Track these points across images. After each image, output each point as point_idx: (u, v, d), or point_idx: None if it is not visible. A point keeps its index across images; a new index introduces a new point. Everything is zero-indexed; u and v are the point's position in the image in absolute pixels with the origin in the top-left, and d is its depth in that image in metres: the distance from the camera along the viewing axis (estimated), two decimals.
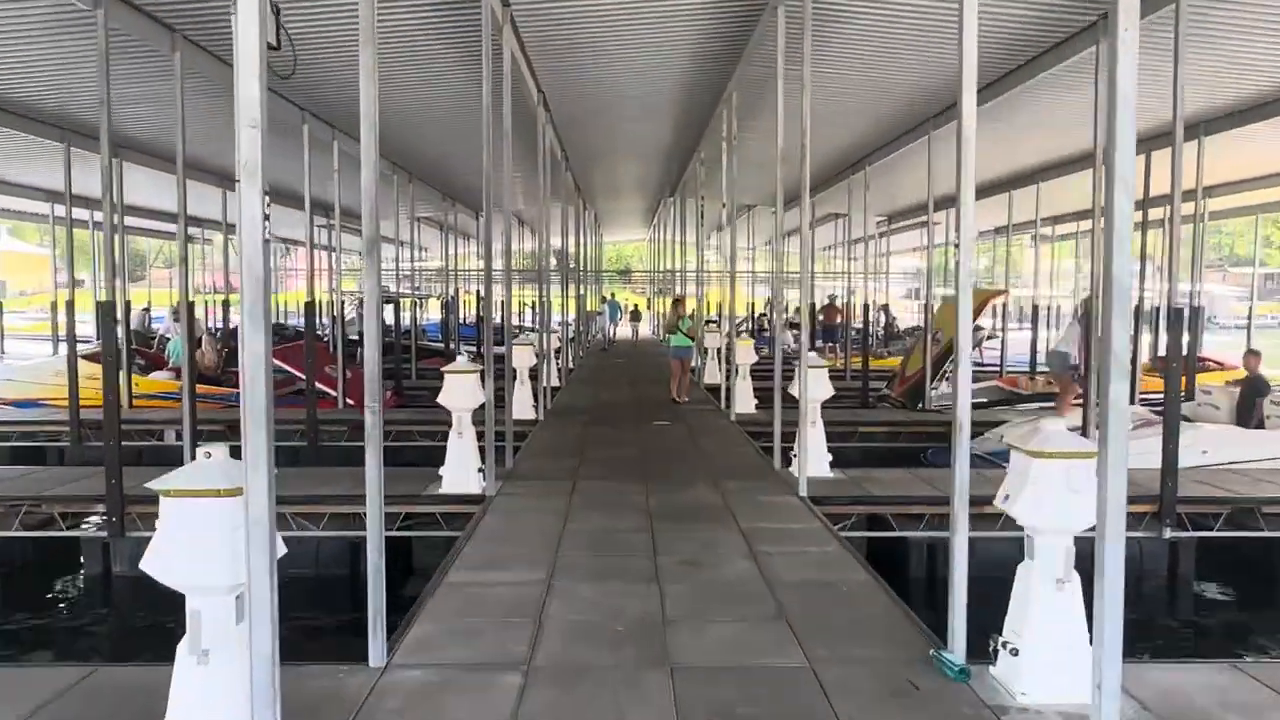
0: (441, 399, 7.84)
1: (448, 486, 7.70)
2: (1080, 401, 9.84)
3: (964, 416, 4.22)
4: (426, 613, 4.83)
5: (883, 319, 29.25)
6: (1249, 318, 18.50)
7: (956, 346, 4.42)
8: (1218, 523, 7.93)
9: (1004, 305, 18.34)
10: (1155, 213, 14.48)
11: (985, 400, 15.09)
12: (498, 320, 17.48)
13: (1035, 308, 18.18)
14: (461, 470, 7.71)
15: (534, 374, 12.81)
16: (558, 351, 17.39)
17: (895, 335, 27.58)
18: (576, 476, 8.50)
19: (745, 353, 13.31)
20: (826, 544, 6.24)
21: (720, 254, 36.20)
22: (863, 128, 14.61)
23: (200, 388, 14.08)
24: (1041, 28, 9.11)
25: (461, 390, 7.72)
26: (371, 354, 4.01)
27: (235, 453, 3.20)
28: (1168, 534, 7.78)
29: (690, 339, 15.08)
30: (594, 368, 21.41)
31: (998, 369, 18.74)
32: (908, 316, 37.57)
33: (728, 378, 13.64)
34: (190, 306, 8.80)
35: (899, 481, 8.45)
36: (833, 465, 8.71)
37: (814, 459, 8.10)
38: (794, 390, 8.68)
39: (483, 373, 7.85)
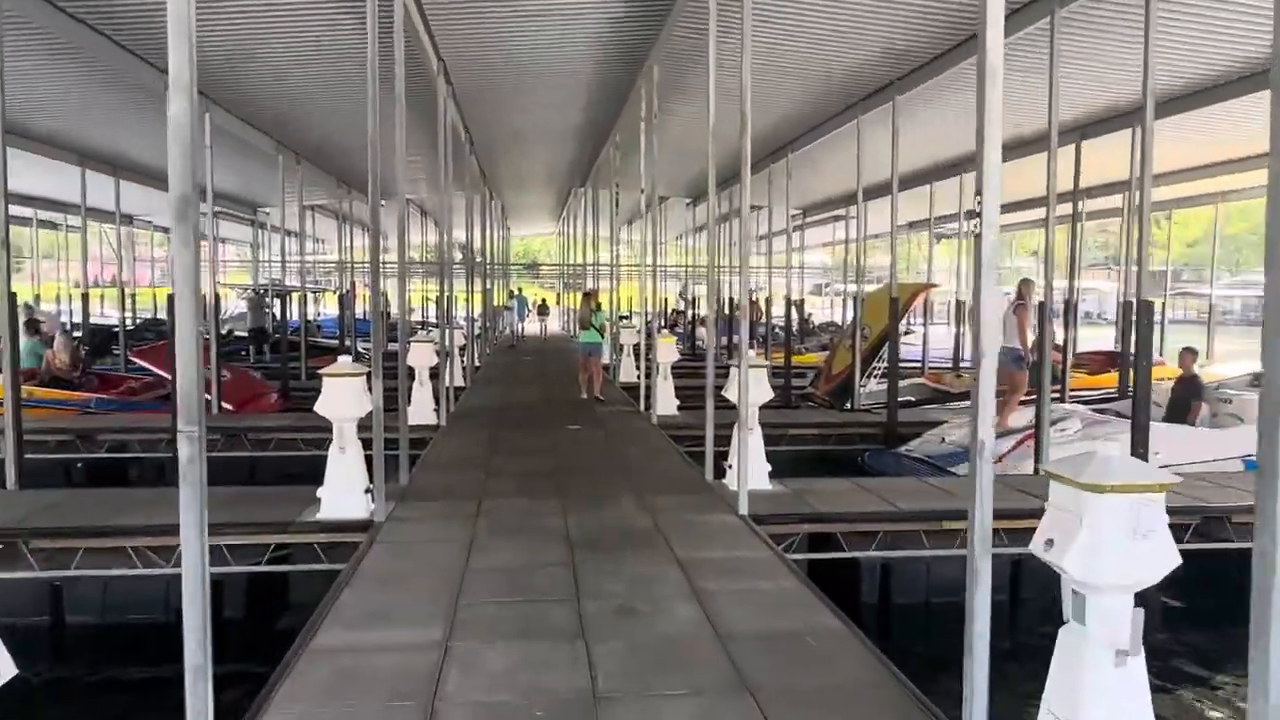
0: (320, 407, 6.61)
1: (328, 511, 6.48)
2: (1033, 397, 9.18)
3: (986, 434, 3.26)
4: (282, 697, 3.67)
5: (796, 315, 28.78)
6: (1162, 314, 18.49)
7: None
8: (1186, 534, 7.31)
9: (925, 301, 17.90)
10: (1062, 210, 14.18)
11: (913, 399, 14.53)
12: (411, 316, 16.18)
13: (959, 303, 17.74)
14: (344, 491, 6.50)
15: (435, 374, 11.60)
16: (462, 349, 16.14)
17: (810, 331, 27.10)
18: (483, 494, 7.38)
19: (667, 350, 12.35)
20: (779, 577, 5.29)
21: (632, 249, 35.37)
22: (785, 112, 13.82)
23: (53, 393, 12.42)
24: None
25: (343, 396, 6.52)
26: (187, 358, 2.84)
27: None
28: None
29: (602, 334, 14.10)
30: (501, 365, 20.19)
31: (919, 365, 18.31)
32: (819, 312, 37.40)
33: (647, 376, 12.67)
34: (12, 298, 7.32)
35: (844, 494, 7.59)
36: (770, 475, 7.83)
37: (753, 471, 7.17)
38: (728, 392, 7.75)
39: (370, 374, 6.65)
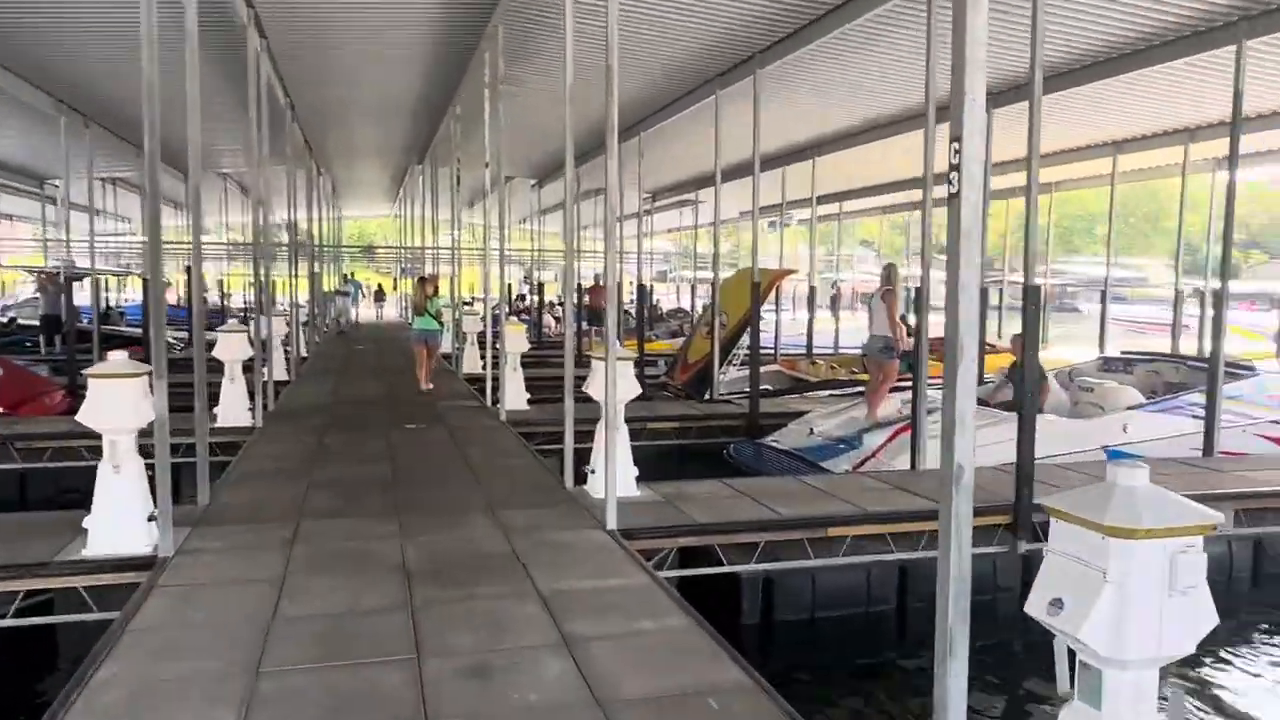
0: (86, 416, 5.27)
1: (97, 546, 5.17)
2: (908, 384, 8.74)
3: (964, 458, 2.52)
4: None
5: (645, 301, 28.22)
6: (1000, 299, 18.95)
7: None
8: None
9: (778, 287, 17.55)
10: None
11: (770, 387, 14.09)
12: (246, 302, 14.36)
13: (812, 289, 17.51)
14: (119, 520, 5.20)
15: (250, 367, 10.15)
16: (286, 339, 14.56)
17: (659, 318, 26.59)
18: (302, 512, 6.20)
19: (516, 339, 11.34)
20: (664, 613, 4.45)
21: (474, 233, 33.93)
22: (637, 87, 13.03)
23: None
24: None
25: (116, 402, 5.20)
26: None
27: None
28: (1023, 548, 6.74)
29: (439, 321, 12.98)
30: (332, 356, 18.56)
31: (773, 353, 17.99)
32: (665, 299, 37.05)
33: (494, 367, 11.62)
34: None
35: (721, 500, 6.85)
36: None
37: (621, 477, 6.32)
38: (591, 388, 6.86)
39: (151, 375, 5.35)
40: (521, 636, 4.07)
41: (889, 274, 9.95)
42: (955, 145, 2.37)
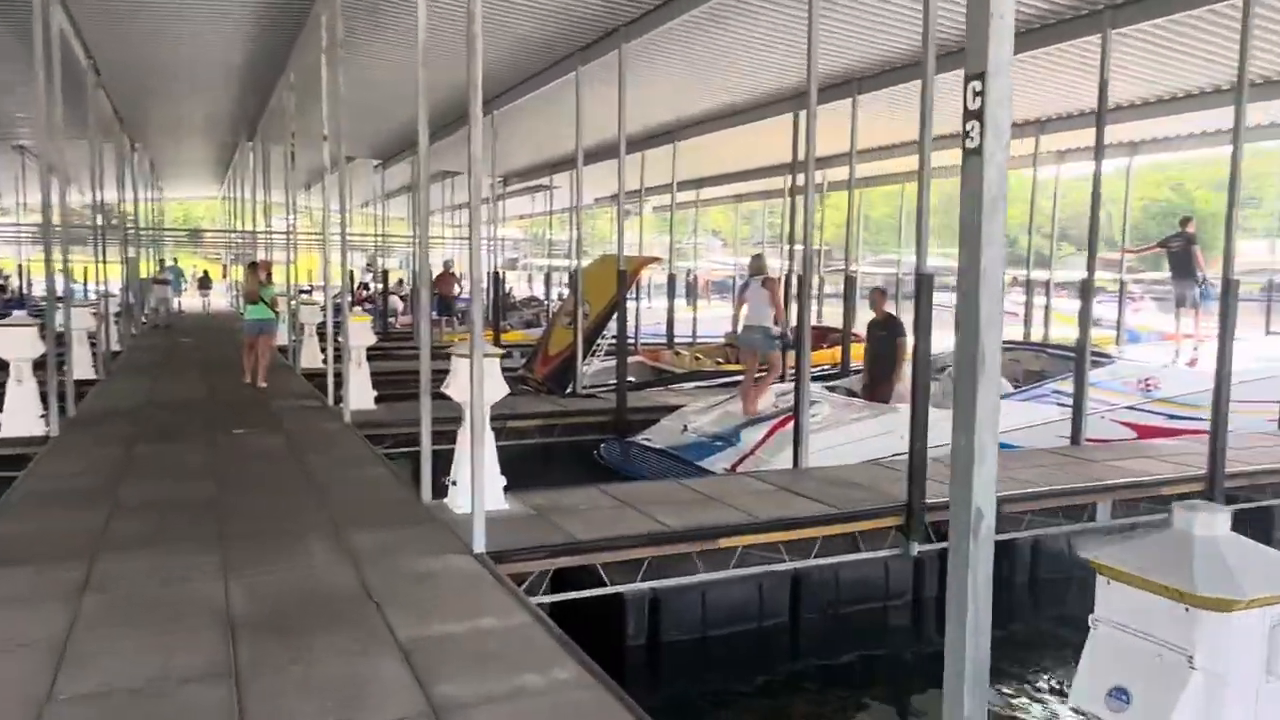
0: None
1: None
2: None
3: (985, 501, 1.93)
4: None
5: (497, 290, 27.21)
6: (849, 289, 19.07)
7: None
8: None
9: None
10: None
11: (633, 380, 13.55)
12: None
13: (672, 277, 17.07)
14: None
15: (43, 365, 8.72)
16: (92, 333, 12.89)
17: (512, 307, 25.68)
18: (99, 546, 5.12)
19: (361, 332, 10.31)
20: (553, 662, 3.74)
21: (312, 218, 31.92)
22: (490, 61, 12.09)
23: None
24: None
25: None
26: None
27: None
28: (915, 550, 6.41)
29: (273, 310, 11.78)
30: (150, 350, 16.75)
31: (633, 343, 17.49)
32: (517, 288, 36.05)
33: (336, 362, 10.53)
34: None
35: (598, 510, 6.19)
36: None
37: (489, 489, 5.56)
38: (451, 389, 6.06)
39: None
40: (380, 708, 3.29)
41: (759, 263, 9.53)
42: (975, 85, 1.80)
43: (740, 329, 9.36)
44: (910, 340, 9.88)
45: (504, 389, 6.09)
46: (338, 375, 10.19)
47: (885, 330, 9.53)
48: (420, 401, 6.17)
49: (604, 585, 5.51)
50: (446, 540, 5.34)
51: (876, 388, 9.74)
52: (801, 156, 12.80)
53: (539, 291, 31.63)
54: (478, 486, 5.13)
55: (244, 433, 8.60)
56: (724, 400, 9.74)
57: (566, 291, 24.97)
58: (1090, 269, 8.93)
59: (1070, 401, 9.39)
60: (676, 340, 16.88)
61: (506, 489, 6.22)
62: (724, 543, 5.80)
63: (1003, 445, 8.87)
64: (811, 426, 8.51)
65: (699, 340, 18.31)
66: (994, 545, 6.43)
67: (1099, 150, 8.63)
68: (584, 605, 5.48)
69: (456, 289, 22.10)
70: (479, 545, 5.08)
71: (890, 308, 10.39)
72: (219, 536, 5.28)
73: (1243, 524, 7.04)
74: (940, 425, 8.64)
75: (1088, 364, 8.81)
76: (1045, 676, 5.77)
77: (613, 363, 13.98)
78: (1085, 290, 8.93)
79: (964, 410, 2.00)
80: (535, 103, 13.87)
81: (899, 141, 15.71)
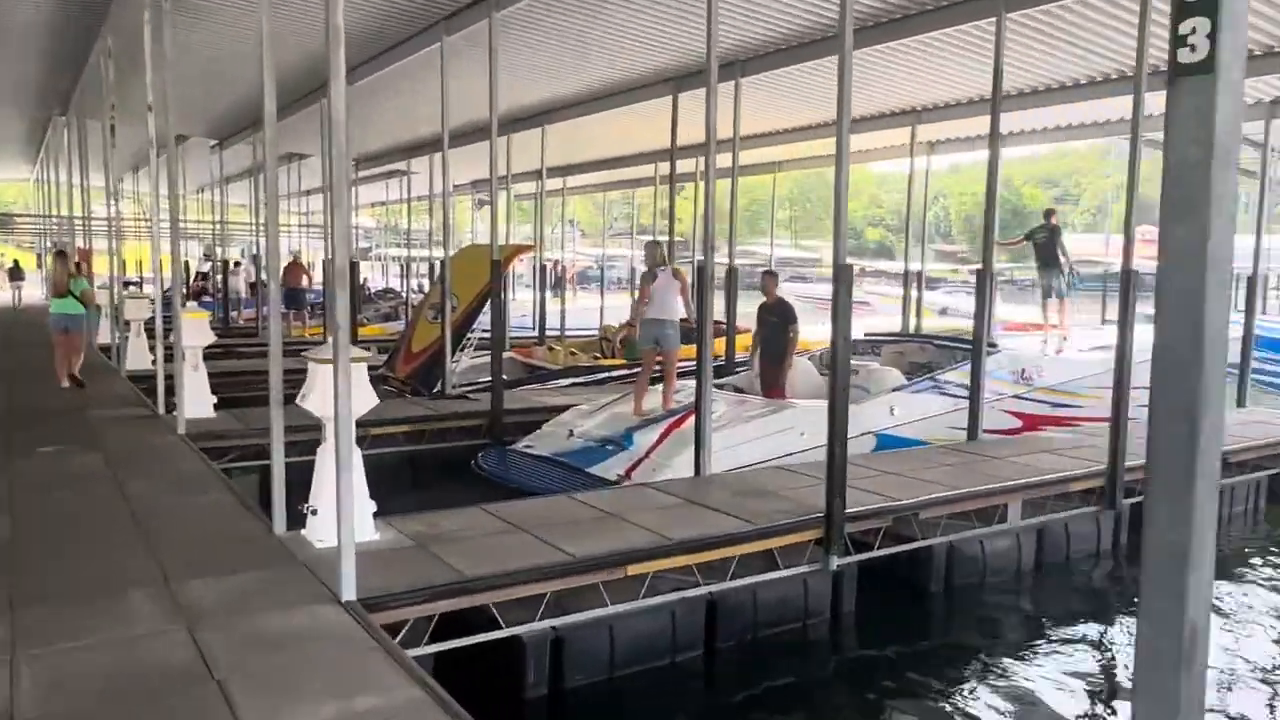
0: None
1: None
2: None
3: (1199, 613, 1.26)
4: None
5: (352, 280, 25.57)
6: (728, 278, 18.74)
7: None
8: (878, 539, 6.28)
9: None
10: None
11: (507, 379, 12.68)
12: None
13: (543, 267, 16.23)
14: None
15: None
16: None
17: (367, 299, 24.19)
18: None
19: (196, 329, 9.03)
20: None
21: (139, 203, 29.26)
22: (345, 27, 10.99)
23: None
24: None
25: None
26: None
27: None
28: (834, 564, 5.90)
29: (84, 304, 10.38)
30: None
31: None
32: (371, 279, 34.22)
33: (168, 363, 9.20)
34: None
35: (485, 536, 5.38)
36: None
37: (358, 520, 4.66)
38: (308, 401, 5.11)
39: None
40: None
41: (659, 251, 8.87)
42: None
43: (642, 322, 8.62)
44: (801, 328, 9.54)
45: (373, 399, 5.18)
46: (169, 378, 8.90)
47: (776, 316, 9.07)
48: (270, 415, 5.19)
49: (498, 627, 4.72)
50: (307, 586, 4.43)
51: (767, 375, 9.30)
52: (686, 141, 12.43)
53: (395, 283, 30.11)
54: (345, 520, 4.24)
55: (52, 451, 7.29)
56: (612, 401, 9.05)
57: (428, 283, 23.74)
58: (987, 260, 8.73)
59: (961, 393, 9.23)
60: (549, 334, 16.07)
61: (376, 514, 5.33)
62: (633, 570, 5.11)
63: (900, 441, 8.72)
64: (718, 424, 7.97)
65: (570, 334, 17.57)
66: (910, 554, 5.93)
67: (994, 138, 8.40)
68: (475, 653, 4.69)
69: (305, 280, 20.52)
70: (348, 592, 4.20)
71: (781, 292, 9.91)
72: (8, 602, 4.18)
73: (1138, 516, 6.86)
74: (820, 423, 8.35)
75: (984, 356, 8.59)
76: (966, 691, 5.37)
77: (483, 360, 13.15)
78: (981, 281, 8.71)
79: (1172, 461, 1.36)
80: (393, 80, 12.76)
81: (774, 129, 15.43)
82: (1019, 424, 9.71)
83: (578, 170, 20.63)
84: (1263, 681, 5.47)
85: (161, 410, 9.10)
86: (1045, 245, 12.15)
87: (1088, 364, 10.32)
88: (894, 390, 8.98)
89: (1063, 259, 12.74)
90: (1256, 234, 11.39)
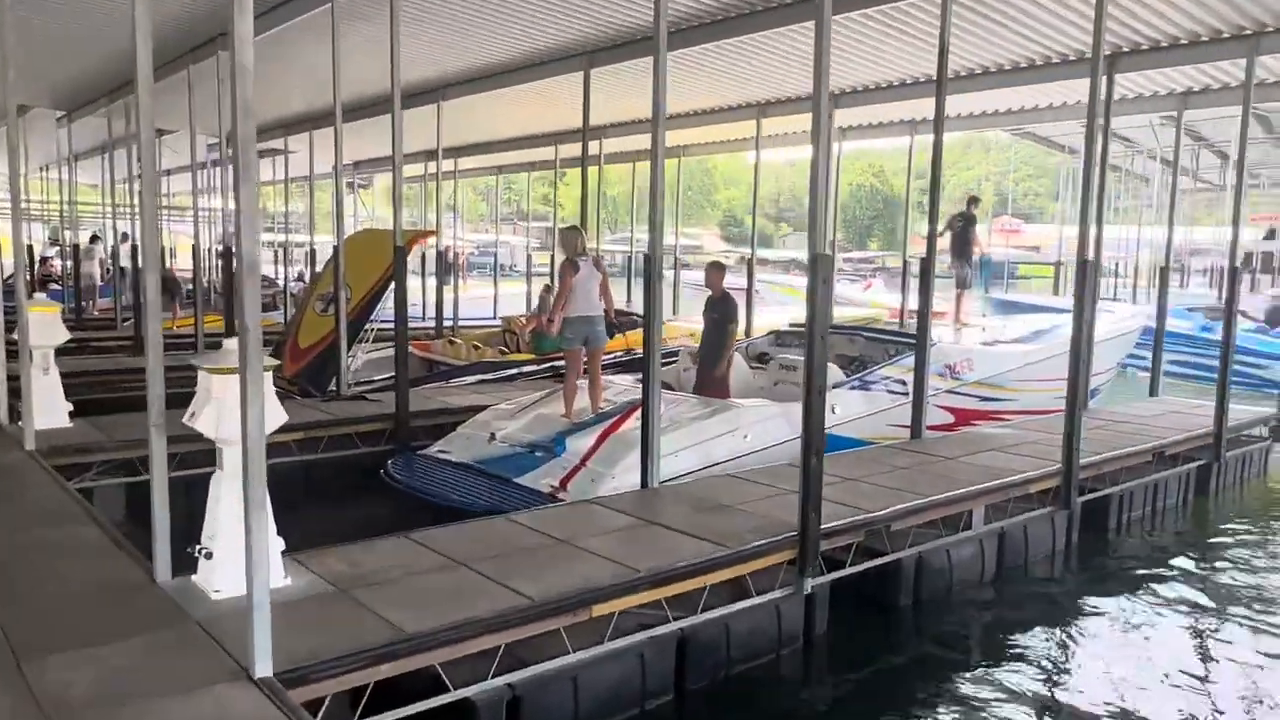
0: None
1: None
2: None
3: None
4: None
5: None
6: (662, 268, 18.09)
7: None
8: (850, 555, 5.74)
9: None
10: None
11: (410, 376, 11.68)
12: None
13: (440, 254, 15.16)
14: None
15: None
16: None
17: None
18: None
19: (46, 327, 7.74)
20: None
21: None
22: None
23: None
24: None
25: None
26: None
27: None
28: (809, 586, 5.32)
29: None
30: None
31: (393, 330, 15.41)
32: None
33: (11, 362, 7.86)
34: None
35: (418, 575, 4.54)
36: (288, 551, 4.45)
37: (271, 565, 3.76)
38: (199, 421, 4.17)
39: None
40: None
41: (577, 239, 8.10)
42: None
43: (569, 320, 7.81)
44: (741, 324, 8.96)
45: (281, 414, 4.27)
46: (13, 380, 7.62)
47: (718, 312, 8.45)
48: (150, 441, 4.21)
49: (445, 690, 3.92)
50: (207, 656, 3.52)
51: (702, 375, 8.70)
52: (566, 124, 11.70)
53: (269, 271, 28.20)
54: (258, 576, 3.36)
55: None
56: (535, 401, 8.25)
57: (307, 271, 22.17)
58: (931, 249, 8.34)
59: (899, 389, 8.86)
60: (444, 327, 15.06)
61: (284, 551, 4.43)
62: (598, 610, 4.38)
63: (843, 441, 8.25)
64: (668, 427, 7.30)
65: (465, 325, 16.55)
66: (879, 568, 5.37)
67: (939, 121, 7.98)
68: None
69: (171, 270, 18.88)
70: (263, 666, 3.33)
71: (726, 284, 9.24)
72: None
73: (1088, 514, 6.56)
74: (774, 421, 7.87)
75: (928, 350, 8.21)
76: (938, 712, 4.91)
77: (380, 355, 12.11)
78: (925, 271, 8.32)
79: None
80: (271, 47, 11.50)
81: (693, 110, 14.84)
82: (951, 419, 9.40)
83: (470, 152, 19.55)
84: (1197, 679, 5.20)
85: (4, 420, 7.79)
86: (961, 233, 11.96)
87: (1013, 356, 10.13)
88: (833, 387, 8.48)
89: (975, 249, 12.62)
90: (1169, 225, 11.47)
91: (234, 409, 4.04)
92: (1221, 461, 9.15)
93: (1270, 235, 31.57)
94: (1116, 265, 34.46)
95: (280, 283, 22.53)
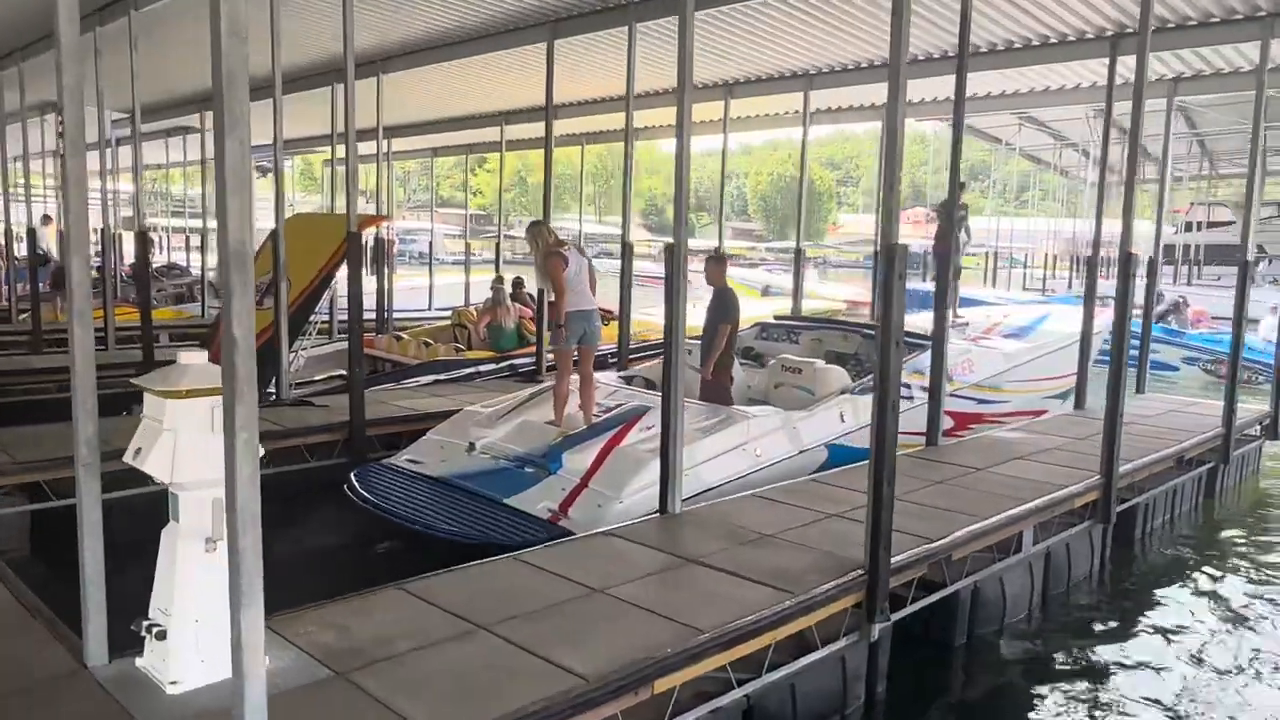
0: None
1: None
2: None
3: None
4: None
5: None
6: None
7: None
8: (911, 590, 4.99)
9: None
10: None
11: (343, 373, 10.55)
12: None
13: (384, 242, 13.95)
14: None
15: None
16: None
17: (152, 276, 20.66)
18: None
19: None
20: None
21: None
22: None
23: None
24: None
25: None
26: None
27: None
28: (875, 633, 4.56)
29: None
30: None
31: (328, 324, 14.19)
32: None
33: None
34: None
35: (430, 647, 3.62)
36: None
37: (251, 665, 2.81)
38: (150, 463, 3.16)
39: None
40: None
41: (541, 233, 7.12)
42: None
43: (570, 315, 6.82)
44: (733, 321, 8.13)
45: (256, 451, 3.28)
46: None
47: (713, 308, 7.61)
48: (77, 482, 3.20)
49: None
50: None
51: (702, 377, 7.88)
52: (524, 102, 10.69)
53: (178, 258, 26.33)
54: (249, 685, 2.41)
55: None
56: (517, 405, 7.30)
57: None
58: (948, 239, 7.66)
59: (906, 392, 8.19)
60: (392, 319, 13.92)
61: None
62: (661, 685, 3.53)
63: (853, 452, 7.46)
64: (647, 443, 6.45)
65: (400, 319, 15.36)
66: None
67: (959, 102, 7.30)
68: None
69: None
70: None
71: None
72: None
73: (1117, 525, 5.93)
74: (784, 432, 7.08)
75: (946, 349, 7.56)
76: None
77: (318, 351, 11.02)
78: (940, 265, 7.65)
79: None
80: (189, 6, 10.21)
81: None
82: (951, 423, 8.79)
83: (405, 132, 18.30)
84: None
85: None
86: (958, 223, 11.30)
87: (1009, 356, 9.60)
88: (840, 393, 7.75)
89: (964, 239, 12.06)
90: (1157, 219, 11.10)
91: (195, 445, 3.12)
92: (1229, 462, 8.77)
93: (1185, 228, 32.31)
94: (1026, 256, 35.09)
95: (195, 272, 20.97)
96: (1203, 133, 23.28)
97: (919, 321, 10.69)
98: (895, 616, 4.78)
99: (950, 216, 11.69)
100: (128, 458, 3.22)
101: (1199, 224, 31.34)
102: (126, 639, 3.31)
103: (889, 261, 4.29)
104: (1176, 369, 16.24)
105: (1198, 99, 15.94)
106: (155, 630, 3.19)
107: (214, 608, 3.11)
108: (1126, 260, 6.43)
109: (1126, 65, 9.55)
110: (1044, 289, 29.28)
